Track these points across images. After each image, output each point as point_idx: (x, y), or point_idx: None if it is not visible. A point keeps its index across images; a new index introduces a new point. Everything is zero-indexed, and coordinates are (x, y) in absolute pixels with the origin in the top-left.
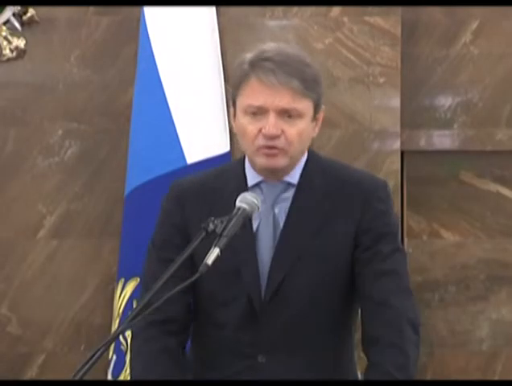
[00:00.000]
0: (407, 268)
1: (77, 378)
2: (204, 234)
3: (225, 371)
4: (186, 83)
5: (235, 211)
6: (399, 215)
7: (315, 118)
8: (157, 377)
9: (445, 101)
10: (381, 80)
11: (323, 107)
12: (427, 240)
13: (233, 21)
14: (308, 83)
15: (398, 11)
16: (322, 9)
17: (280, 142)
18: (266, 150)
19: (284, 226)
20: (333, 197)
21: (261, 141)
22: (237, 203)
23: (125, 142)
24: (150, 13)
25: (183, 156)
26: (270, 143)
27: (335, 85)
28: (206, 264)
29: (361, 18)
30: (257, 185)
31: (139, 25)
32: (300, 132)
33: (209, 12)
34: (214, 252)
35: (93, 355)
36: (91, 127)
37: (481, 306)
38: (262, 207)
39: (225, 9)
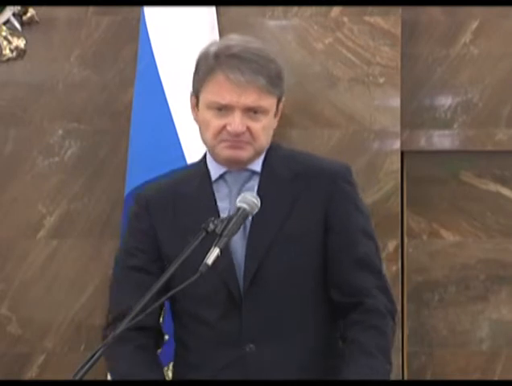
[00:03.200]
0: (379, 253)
1: (77, 378)
2: (204, 234)
3: (215, 366)
4: (186, 83)
5: (235, 211)
6: (399, 215)
7: (277, 111)
8: (136, 371)
9: (445, 101)
10: (381, 80)
11: (283, 99)
12: (427, 240)
13: (233, 21)
14: (273, 79)
15: (398, 11)
16: (322, 9)
17: (245, 137)
18: (230, 143)
19: (253, 216)
20: (298, 181)
21: (225, 136)
22: (237, 203)
23: (125, 142)
24: (150, 13)
25: (183, 156)
26: (235, 138)
27: (335, 85)
28: (206, 264)
29: (361, 18)
30: (221, 177)
31: (139, 25)
32: (265, 127)
33: (209, 12)
34: (214, 252)
35: (93, 355)
36: (91, 127)
37: (481, 306)
38: (229, 199)
39: (225, 9)
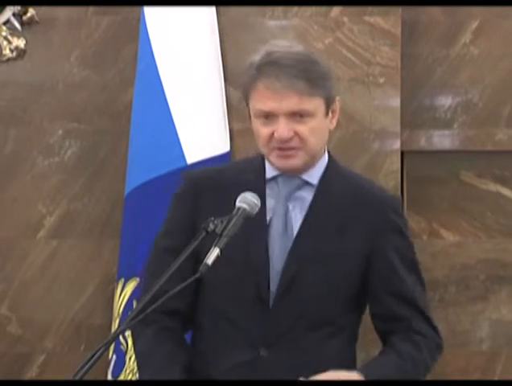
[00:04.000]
0: (423, 286)
1: (77, 378)
2: (204, 234)
3: (225, 364)
4: (186, 83)
5: (235, 211)
6: None
7: (329, 111)
8: (160, 353)
9: (445, 101)
10: (381, 80)
11: (337, 98)
12: (427, 240)
13: (233, 21)
14: (314, 81)
15: (398, 11)
16: (322, 9)
17: (294, 142)
18: (281, 152)
19: (302, 225)
20: (352, 203)
21: (275, 144)
22: (237, 204)
23: (125, 142)
24: (150, 13)
25: (183, 156)
26: (284, 145)
27: (335, 85)
28: (206, 265)
29: (361, 18)
30: (274, 178)
31: (139, 25)
32: (313, 129)
33: (209, 12)
34: (214, 252)
35: (93, 355)
36: (91, 127)
37: (480, 306)
38: (275, 201)
39: (225, 9)
